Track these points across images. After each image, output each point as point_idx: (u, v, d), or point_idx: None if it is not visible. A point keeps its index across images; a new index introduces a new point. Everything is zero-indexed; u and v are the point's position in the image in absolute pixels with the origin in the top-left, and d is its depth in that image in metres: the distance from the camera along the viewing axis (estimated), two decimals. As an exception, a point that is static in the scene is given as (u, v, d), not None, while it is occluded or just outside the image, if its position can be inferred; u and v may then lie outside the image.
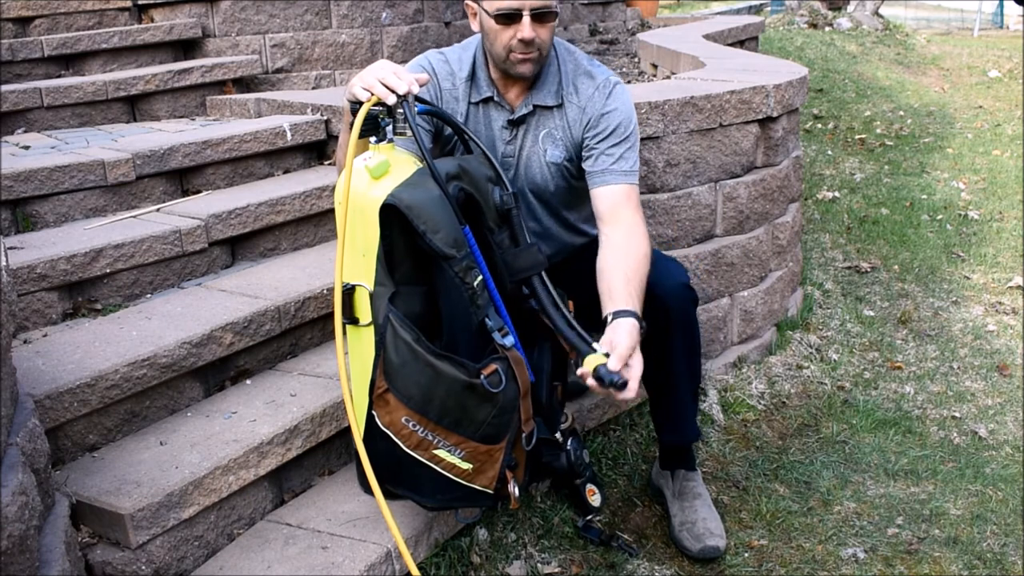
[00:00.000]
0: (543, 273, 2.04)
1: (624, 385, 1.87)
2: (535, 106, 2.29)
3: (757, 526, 2.55)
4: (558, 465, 2.33)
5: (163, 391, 2.23)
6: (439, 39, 4.72)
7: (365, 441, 1.94)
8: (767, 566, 2.38)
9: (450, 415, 1.88)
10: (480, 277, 1.90)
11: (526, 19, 2.12)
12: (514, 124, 2.30)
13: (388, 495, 1.96)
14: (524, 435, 2.01)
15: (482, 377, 1.87)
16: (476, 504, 2.09)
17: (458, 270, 1.88)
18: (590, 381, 1.91)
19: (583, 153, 2.30)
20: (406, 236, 1.88)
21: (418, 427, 1.89)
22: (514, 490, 1.99)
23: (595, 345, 1.94)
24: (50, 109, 3.56)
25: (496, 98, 2.29)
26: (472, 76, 2.29)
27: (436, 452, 1.90)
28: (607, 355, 1.91)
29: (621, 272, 2.11)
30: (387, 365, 1.88)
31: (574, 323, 2.01)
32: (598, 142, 2.27)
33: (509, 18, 2.13)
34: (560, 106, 2.28)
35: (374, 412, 1.91)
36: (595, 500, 2.45)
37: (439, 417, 1.88)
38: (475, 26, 2.24)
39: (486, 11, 2.16)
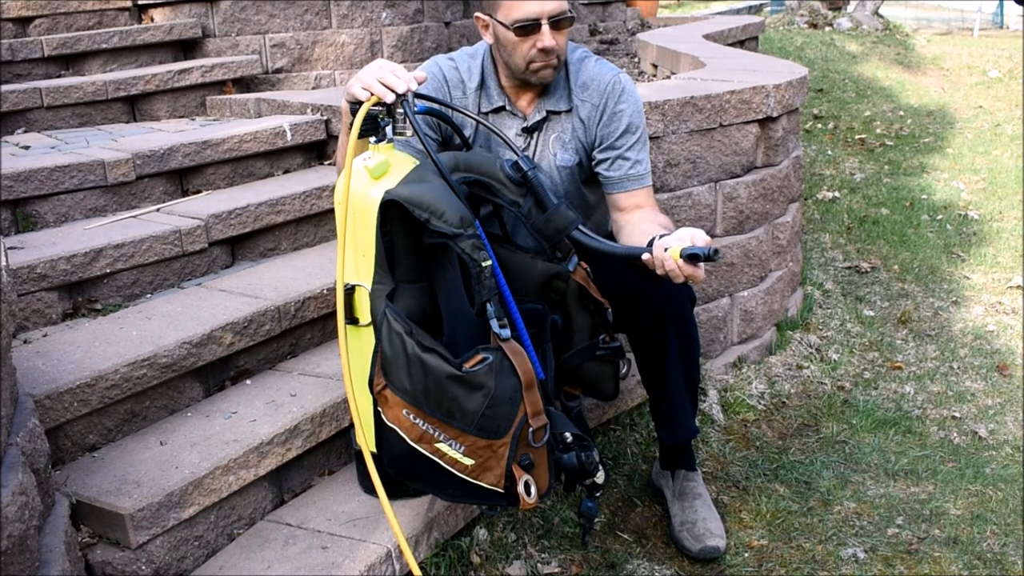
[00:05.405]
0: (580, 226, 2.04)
1: (717, 252, 1.84)
2: (548, 112, 2.29)
3: (757, 526, 2.55)
4: (568, 463, 2.11)
5: (163, 391, 2.23)
6: (439, 39, 4.72)
7: (378, 438, 1.94)
8: (767, 566, 2.38)
9: (442, 407, 1.85)
10: (489, 261, 1.86)
11: (545, 27, 2.11)
12: (528, 131, 2.30)
13: (406, 491, 1.93)
14: (532, 430, 1.88)
15: (464, 368, 1.83)
16: (490, 503, 2.06)
17: (465, 246, 1.82)
18: (675, 264, 1.88)
19: (596, 154, 2.31)
20: (408, 232, 1.88)
21: (418, 420, 1.87)
22: (522, 490, 1.90)
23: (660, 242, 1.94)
24: (50, 109, 3.56)
25: (508, 107, 2.29)
26: (482, 85, 2.29)
27: (438, 446, 1.88)
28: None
29: (658, 227, 2.13)
30: (384, 360, 1.87)
31: (631, 248, 2.04)
32: (612, 142, 2.28)
33: (528, 28, 2.12)
34: (570, 110, 2.29)
35: (379, 409, 1.91)
36: (599, 478, 2.41)
37: (433, 409, 1.86)
38: (487, 38, 2.23)
39: (502, 23, 2.15)
